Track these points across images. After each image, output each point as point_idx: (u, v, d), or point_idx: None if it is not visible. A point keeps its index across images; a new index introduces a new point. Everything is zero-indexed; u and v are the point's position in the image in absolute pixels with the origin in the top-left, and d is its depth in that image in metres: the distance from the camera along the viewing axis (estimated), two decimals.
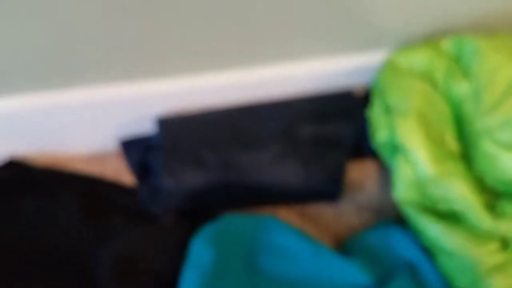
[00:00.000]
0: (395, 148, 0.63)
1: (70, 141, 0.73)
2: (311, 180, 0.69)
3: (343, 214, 0.72)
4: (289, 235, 0.66)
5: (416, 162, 0.60)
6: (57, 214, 0.67)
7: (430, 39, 0.70)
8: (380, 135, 0.66)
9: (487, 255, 0.60)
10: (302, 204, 0.73)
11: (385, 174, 0.71)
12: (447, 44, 0.66)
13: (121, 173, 0.74)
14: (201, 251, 0.62)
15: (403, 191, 0.62)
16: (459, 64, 0.64)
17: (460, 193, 0.59)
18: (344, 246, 0.69)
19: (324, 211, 0.72)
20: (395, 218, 0.72)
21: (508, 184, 0.60)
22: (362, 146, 0.74)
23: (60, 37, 0.58)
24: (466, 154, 0.62)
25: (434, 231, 0.61)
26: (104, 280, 0.62)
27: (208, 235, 0.63)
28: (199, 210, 0.70)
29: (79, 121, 0.71)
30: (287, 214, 0.72)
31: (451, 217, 0.62)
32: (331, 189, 0.70)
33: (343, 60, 0.73)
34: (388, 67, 0.67)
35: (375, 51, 0.72)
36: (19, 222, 0.66)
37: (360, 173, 0.75)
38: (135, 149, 0.72)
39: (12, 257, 0.64)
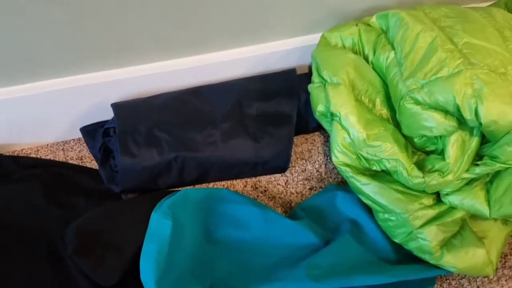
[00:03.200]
0: (331, 116, 0.68)
1: (34, 131, 0.78)
2: (261, 154, 0.74)
3: (293, 183, 0.77)
4: (242, 204, 0.71)
5: (349, 127, 0.66)
6: (24, 198, 0.71)
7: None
8: (319, 107, 0.71)
9: (420, 209, 0.65)
10: (254, 177, 0.78)
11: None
12: (374, 20, 0.71)
13: (83, 158, 0.79)
14: (159, 223, 0.66)
15: (339, 155, 0.67)
16: (387, 37, 0.70)
17: (390, 153, 0.64)
18: (294, 211, 0.74)
19: (276, 182, 0.78)
20: (341, 183, 0.77)
21: (433, 141, 0.66)
22: (308, 121, 0.80)
23: (23, 36, 0.63)
24: (396, 117, 0.67)
25: (369, 190, 0.66)
26: (68, 256, 0.65)
27: (166, 208, 0.67)
28: (157, 189, 0.74)
29: (41, 113, 0.75)
30: (242, 187, 0.77)
31: (385, 177, 0.68)
32: (280, 161, 0.75)
33: (287, 43, 0.78)
34: (322, 43, 0.73)
35: (315, 34, 0.78)
36: None
37: (307, 145, 0.81)
38: (95, 134, 0.76)
39: None
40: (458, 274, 0.70)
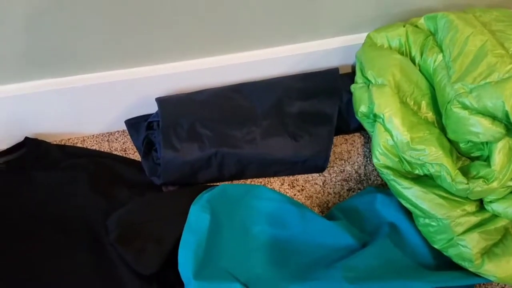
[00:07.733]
0: (374, 118, 0.68)
1: (81, 122, 0.80)
2: (300, 153, 0.74)
3: (330, 183, 0.77)
4: (279, 202, 0.71)
5: (392, 129, 0.65)
6: (69, 187, 0.73)
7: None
8: (362, 107, 0.70)
9: (463, 216, 0.64)
10: (292, 175, 0.78)
11: (370, 146, 0.76)
12: (422, 21, 0.70)
13: (127, 149, 0.81)
14: (198, 217, 0.67)
15: (381, 158, 0.67)
16: (435, 39, 0.69)
17: (434, 157, 0.63)
18: (332, 211, 0.74)
19: (314, 181, 0.77)
20: (380, 186, 0.77)
21: (479, 147, 0.64)
22: (349, 121, 0.79)
23: (72, 31, 0.65)
24: (441, 121, 0.66)
25: (411, 194, 0.65)
26: (110, 244, 0.67)
27: (205, 202, 0.69)
28: (197, 183, 0.76)
29: (89, 104, 0.77)
30: (279, 185, 0.77)
31: (427, 181, 0.67)
32: (318, 161, 0.75)
33: (331, 42, 0.78)
34: (367, 43, 0.72)
35: (359, 34, 0.77)
36: (34, 194, 0.73)
37: (347, 146, 0.80)
38: (138, 127, 0.78)
39: (29, 227, 0.70)
40: (498, 283, 0.69)
